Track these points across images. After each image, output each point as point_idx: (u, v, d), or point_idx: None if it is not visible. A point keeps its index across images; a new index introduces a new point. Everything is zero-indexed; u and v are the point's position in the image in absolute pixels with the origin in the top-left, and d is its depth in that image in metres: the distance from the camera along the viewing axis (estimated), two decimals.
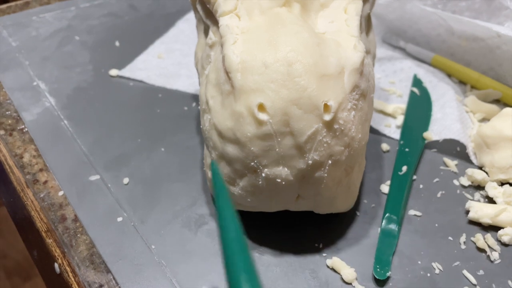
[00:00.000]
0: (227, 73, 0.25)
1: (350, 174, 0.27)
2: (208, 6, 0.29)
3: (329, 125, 0.24)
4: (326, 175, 0.25)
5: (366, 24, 0.33)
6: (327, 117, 0.24)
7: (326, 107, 0.24)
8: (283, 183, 0.25)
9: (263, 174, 0.25)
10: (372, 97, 0.28)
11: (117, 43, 0.46)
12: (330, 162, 0.25)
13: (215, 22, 0.29)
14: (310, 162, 0.24)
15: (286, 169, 0.24)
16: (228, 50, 0.25)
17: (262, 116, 0.23)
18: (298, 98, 0.23)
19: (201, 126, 0.29)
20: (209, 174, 0.28)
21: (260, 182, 0.25)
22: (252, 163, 0.25)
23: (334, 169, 0.25)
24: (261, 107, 0.24)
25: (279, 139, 0.24)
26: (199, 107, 0.29)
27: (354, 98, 0.25)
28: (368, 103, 0.27)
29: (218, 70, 0.26)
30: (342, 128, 0.24)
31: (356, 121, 0.25)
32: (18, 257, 1.17)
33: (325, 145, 0.24)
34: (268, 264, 0.27)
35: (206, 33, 0.32)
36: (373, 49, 0.34)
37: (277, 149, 0.24)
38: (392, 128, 0.37)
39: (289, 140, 0.24)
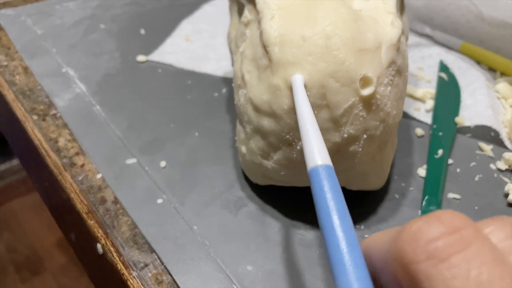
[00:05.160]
0: (264, 47, 0.25)
1: (383, 150, 0.27)
2: None
3: (365, 99, 0.24)
4: (360, 149, 0.25)
5: (400, 5, 0.33)
6: (369, 90, 0.23)
7: (366, 80, 0.24)
8: None
9: (298, 147, 0.25)
10: (406, 76, 0.28)
11: (142, 31, 0.46)
12: (365, 136, 0.25)
13: (251, 1, 0.29)
14: (345, 135, 0.24)
15: None
16: (266, 24, 0.25)
17: None
18: (335, 71, 0.23)
19: (235, 102, 0.29)
20: (242, 149, 0.28)
21: (294, 155, 0.25)
22: (288, 136, 0.25)
23: (369, 144, 0.25)
24: None
25: (316, 112, 0.24)
26: (232, 85, 0.29)
27: (390, 74, 0.25)
28: (403, 81, 0.27)
29: (255, 45, 0.26)
30: (378, 103, 0.24)
31: (391, 97, 0.25)
32: (27, 251, 1.18)
33: (361, 119, 0.24)
34: (311, 245, 0.27)
35: (240, 13, 0.32)
36: (406, 30, 0.34)
37: None
38: (421, 112, 0.37)
39: (325, 113, 0.24)
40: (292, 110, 0.24)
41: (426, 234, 0.13)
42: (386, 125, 0.25)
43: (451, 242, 0.12)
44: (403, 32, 0.31)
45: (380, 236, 0.15)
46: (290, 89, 0.24)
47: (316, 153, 0.19)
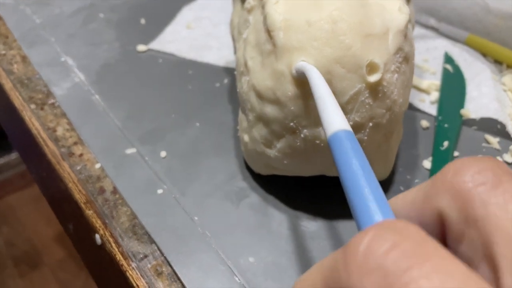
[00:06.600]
0: (269, 32, 0.24)
1: (389, 140, 0.26)
2: None
3: (372, 86, 0.23)
4: (366, 138, 0.24)
5: None
6: (376, 77, 0.23)
7: (373, 66, 0.23)
8: (322, 144, 0.24)
9: (302, 135, 0.24)
10: (413, 64, 0.27)
11: (142, 21, 0.46)
12: (370, 124, 0.24)
13: None
14: (350, 123, 0.23)
15: None
16: (271, 9, 0.24)
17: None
18: (341, 56, 0.23)
19: (237, 90, 0.28)
20: (245, 138, 0.28)
21: (298, 144, 0.25)
22: (291, 124, 0.24)
23: (374, 133, 0.25)
24: None
25: None
26: (235, 73, 0.29)
27: (397, 61, 0.24)
28: (410, 68, 0.26)
29: (258, 31, 0.26)
30: (385, 90, 0.24)
31: (398, 85, 0.24)
32: (25, 246, 1.17)
33: (367, 106, 0.23)
34: (314, 237, 0.26)
35: (243, 0, 0.32)
36: (413, 19, 0.33)
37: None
38: (426, 103, 0.37)
39: None
40: (297, 96, 0.23)
41: (472, 167, 0.13)
42: (393, 113, 0.25)
43: (500, 173, 0.12)
44: (409, 20, 0.31)
45: (405, 193, 0.15)
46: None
47: (337, 118, 0.18)
